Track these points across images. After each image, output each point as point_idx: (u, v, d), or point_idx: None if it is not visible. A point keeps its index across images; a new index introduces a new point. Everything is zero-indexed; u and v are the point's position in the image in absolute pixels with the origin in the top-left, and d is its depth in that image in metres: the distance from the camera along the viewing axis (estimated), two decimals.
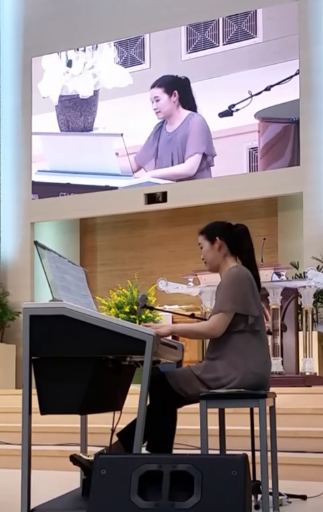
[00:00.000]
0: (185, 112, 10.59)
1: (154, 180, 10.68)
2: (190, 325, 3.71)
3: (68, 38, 11.36)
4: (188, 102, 10.57)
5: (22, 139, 11.59)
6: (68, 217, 11.52)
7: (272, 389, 3.79)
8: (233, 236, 3.79)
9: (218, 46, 10.51)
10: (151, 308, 4.80)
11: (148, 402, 3.35)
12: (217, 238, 3.77)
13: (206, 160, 10.37)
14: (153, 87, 10.79)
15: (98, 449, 3.84)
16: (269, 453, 3.74)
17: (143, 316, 8.77)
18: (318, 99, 9.76)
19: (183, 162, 10.51)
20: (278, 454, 3.93)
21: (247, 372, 3.56)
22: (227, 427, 4.07)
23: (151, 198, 10.70)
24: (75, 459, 3.59)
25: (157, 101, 10.74)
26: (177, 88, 10.63)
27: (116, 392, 3.82)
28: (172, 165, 10.59)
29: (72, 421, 4.56)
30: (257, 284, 3.76)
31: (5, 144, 11.68)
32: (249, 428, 4.35)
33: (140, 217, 11.44)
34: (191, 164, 10.43)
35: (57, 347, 3.28)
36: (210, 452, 3.49)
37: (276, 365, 7.27)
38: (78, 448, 4.17)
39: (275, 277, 7.56)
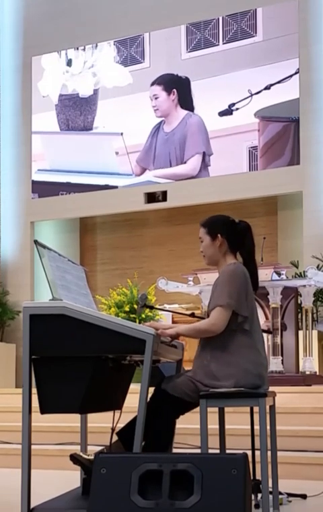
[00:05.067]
0: (183, 112, 10.59)
1: (154, 179, 10.68)
2: (191, 324, 3.70)
3: (68, 37, 11.35)
4: (186, 101, 10.57)
5: (22, 138, 11.59)
6: (68, 216, 11.52)
7: (272, 388, 3.79)
8: (235, 233, 3.77)
9: (218, 45, 10.51)
10: (151, 308, 4.79)
11: (147, 403, 3.34)
12: (219, 235, 3.74)
13: (204, 160, 10.38)
14: (152, 84, 10.79)
15: (98, 448, 3.84)
16: (269, 452, 3.74)
17: (143, 316, 8.77)
18: (318, 98, 9.76)
19: (181, 162, 10.51)
20: (278, 453, 3.92)
21: (242, 371, 3.54)
22: (227, 426, 4.06)
23: (151, 197, 10.70)
24: (75, 458, 3.59)
25: (156, 99, 10.74)
26: (177, 87, 10.63)
27: (116, 391, 3.82)
28: (170, 165, 10.59)
29: (72, 420, 4.56)
30: (255, 283, 3.75)
31: (5, 143, 11.68)
32: (249, 427, 4.35)
33: (140, 216, 11.44)
34: (193, 164, 10.43)
35: (57, 346, 3.27)
36: (210, 451, 3.49)
37: (276, 364, 7.27)
38: (78, 447, 4.17)
39: (275, 276, 7.55)
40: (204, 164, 10.37)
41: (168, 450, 3.71)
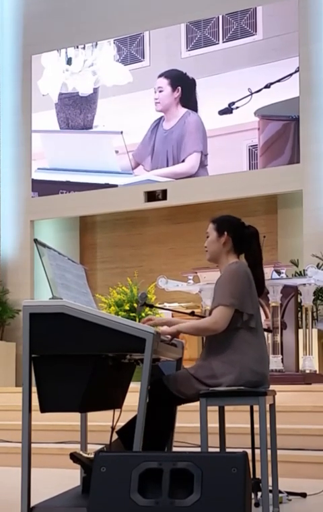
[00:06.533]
0: (182, 110, 10.58)
1: (154, 177, 10.68)
2: (192, 322, 3.71)
3: (68, 35, 11.35)
4: (189, 101, 10.55)
5: (22, 136, 11.59)
6: (68, 215, 11.52)
7: (271, 387, 3.79)
8: (241, 236, 3.80)
9: (218, 43, 10.50)
10: (151, 306, 4.79)
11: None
12: (226, 232, 3.77)
13: (201, 159, 10.37)
14: (160, 76, 10.76)
15: (98, 447, 3.84)
16: (269, 451, 3.74)
17: (143, 314, 8.76)
18: (318, 96, 9.76)
19: (179, 160, 10.51)
20: (278, 452, 3.92)
21: (243, 369, 3.55)
22: (226, 425, 4.07)
23: (151, 196, 10.70)
24: (75, 457, 3.59)
25: (160, 91, 10.73)
26: (182, 85, 10.62)
27: (116, 390, 3.82)
28: (167, 163, 10.58)
29: (72, 419, 4.56)
30: (261, 286, 3.76)
31: (5, 142, 11.68)
32: (249, 425, 4.36)
33: (140, 214, 11.44)
34: (191, 162, 10.43)
35: (57, 345, 3.27)
36: (210, 450, 3.49)
37: (276, 363, 7.28)
38: (78, 446, 4.17)
39: (275, 275, 7.56)
40: (201, 163, 10.36)
41: (167, 439, 3.71)
